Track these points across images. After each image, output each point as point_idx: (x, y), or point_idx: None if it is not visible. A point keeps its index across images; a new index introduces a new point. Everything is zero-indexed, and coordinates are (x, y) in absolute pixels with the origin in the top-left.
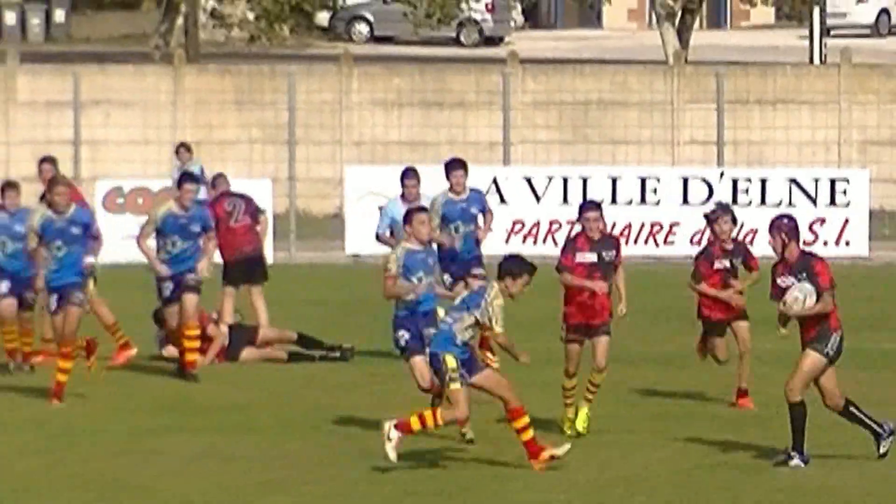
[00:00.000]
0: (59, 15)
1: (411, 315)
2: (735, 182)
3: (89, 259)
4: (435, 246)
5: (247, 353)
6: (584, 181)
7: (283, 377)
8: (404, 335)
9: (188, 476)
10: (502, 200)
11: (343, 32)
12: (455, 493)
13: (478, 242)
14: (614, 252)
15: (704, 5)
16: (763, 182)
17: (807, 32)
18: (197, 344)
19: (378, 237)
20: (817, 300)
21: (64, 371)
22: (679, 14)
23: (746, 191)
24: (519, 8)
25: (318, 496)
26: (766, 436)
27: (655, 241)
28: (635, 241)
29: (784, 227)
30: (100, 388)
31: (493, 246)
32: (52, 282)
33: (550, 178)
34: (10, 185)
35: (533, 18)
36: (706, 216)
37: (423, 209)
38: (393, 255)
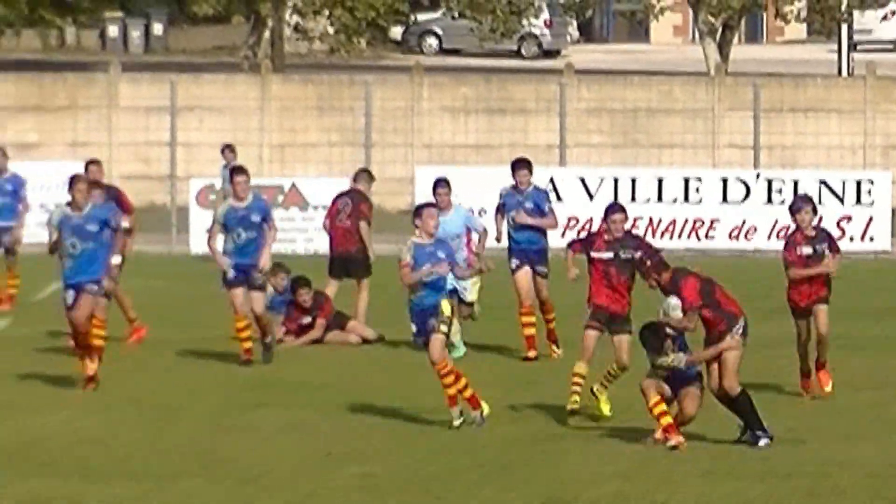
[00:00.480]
0: (158, 28)
1: (417, 306)
2: (770, 182)
3: (115, 260)
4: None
5: (332, 335)
6: (633, 181)
7: (359, 359)
8: (414, 324)
9: (271, 447)
10: (559, 198)
11: (414, 45)
12: (517, 466)
13: (544, 233)
14: (633, 251)
15: (742, 22)
16: (795, 183)
17: (835, 47)
18: (248, 333)
19: None
20: (683, 314)
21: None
22: (720, 30)
23: (780, 190)
24: (574, 24)
25: (391, 467)
26: (795, 413)
27: (697, 235)
28: (679, 236)
29: (651, 269)
30: (193, 368)
31: (550, 239)
32: (68, 279)
33: (602, 179)
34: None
35: (587, 33)
36: (790, 208)
37: (431, 205)
38: (405, 248)
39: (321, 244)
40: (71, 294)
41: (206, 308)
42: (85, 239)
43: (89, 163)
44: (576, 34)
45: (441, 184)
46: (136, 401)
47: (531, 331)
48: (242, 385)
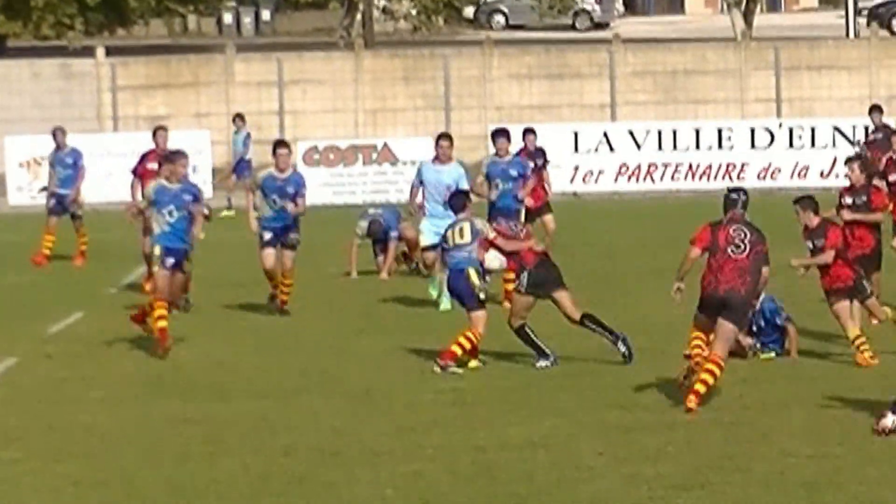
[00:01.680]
0: (266, 14)
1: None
2: (791, 130)
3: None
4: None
5: None
6: (674, 133)
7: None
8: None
9: (373, 368)
10: (611, 149)
11: (485, 22)
12: (584, 376)
13: (517, 199)
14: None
15: None
16: (812, 130)
17: (843, 13)
18: (289, 290)
19: (411, 190)
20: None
21: (162, 318)
22: (744, 1)
23: (800, 137)
24: (620, 0)
25: (475, 383)
26: (818, 333)
27: (730, 177)
28: (714, 178)
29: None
30: (305, 302)
31: (605, 184)
32: (162, 240)
33: (648, 131)
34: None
35: (631, 7)
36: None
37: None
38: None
39: None
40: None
41: (316, 251)
42: (180, 208)
43: (158, 128)
44: (622, 8)
45: (444, 137)
46: (256, 330)
47: (511, 286)
48: (347, 315)
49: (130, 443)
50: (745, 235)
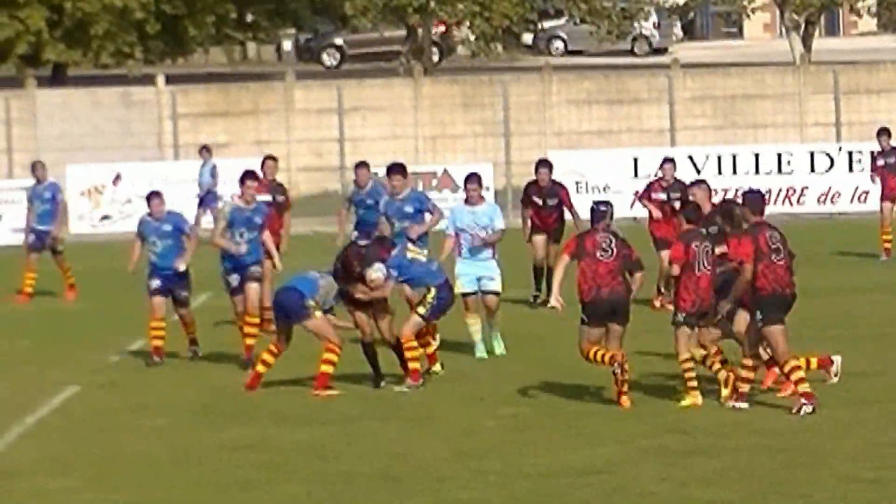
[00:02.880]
0: None
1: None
2: (850, 154)
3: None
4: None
5: None
6: (734, 157)
7: (513, 316)
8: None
9: (434, 394)
10: None
11: (543, 48)
12: (643, 403)
13: (409, 239)
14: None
15: (822, 18)
16: (872, 154)
17: None
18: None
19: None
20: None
21: (328, 362)
22: (803, 25)
23: (859, 161)
24: (679, 24)
25: (536, 408)
26: (873, 349)
27: (790, 202)
28: (774, 203)
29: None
30: None
31: None
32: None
33: (707, 156)
34: (156, 194)
35: (689, 32)
36: None
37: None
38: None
39: None
40: (236, 277)
41: None
42: (251, 229)
43: (267, 158)
44: (680, 33)
45: (471, 180)
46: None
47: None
48: None
49: (190, 470)
50: (611, 241)
